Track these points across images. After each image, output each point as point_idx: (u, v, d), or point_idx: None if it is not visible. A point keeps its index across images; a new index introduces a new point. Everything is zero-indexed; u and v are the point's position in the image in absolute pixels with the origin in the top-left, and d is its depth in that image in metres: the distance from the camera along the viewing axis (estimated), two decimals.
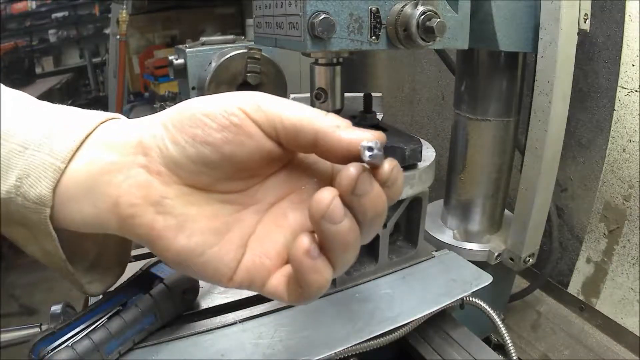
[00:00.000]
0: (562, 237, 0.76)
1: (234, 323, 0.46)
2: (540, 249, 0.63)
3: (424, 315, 0.48)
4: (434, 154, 0.53)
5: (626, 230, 0.67)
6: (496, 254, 0.63)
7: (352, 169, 0.23)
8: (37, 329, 0.42)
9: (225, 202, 0.28)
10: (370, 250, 0.54)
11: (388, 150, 0.48)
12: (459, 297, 0.50)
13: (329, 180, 0.29)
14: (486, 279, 0.53)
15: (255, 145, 0.26)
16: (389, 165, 0.24)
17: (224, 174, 0.27)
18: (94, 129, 0.29)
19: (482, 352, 0.48)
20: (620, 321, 0.67)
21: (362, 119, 0.55)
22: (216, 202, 0.28)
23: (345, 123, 0.25)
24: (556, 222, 0.70)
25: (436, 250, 0.59)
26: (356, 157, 0.24)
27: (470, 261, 0.57)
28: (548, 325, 0.73)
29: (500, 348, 0.51)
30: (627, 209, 0.66)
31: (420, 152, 0.50)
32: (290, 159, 0.29)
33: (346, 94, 0.53)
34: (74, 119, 0.30)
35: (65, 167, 0.28)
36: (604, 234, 0.70)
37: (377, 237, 0.52)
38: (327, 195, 0.23)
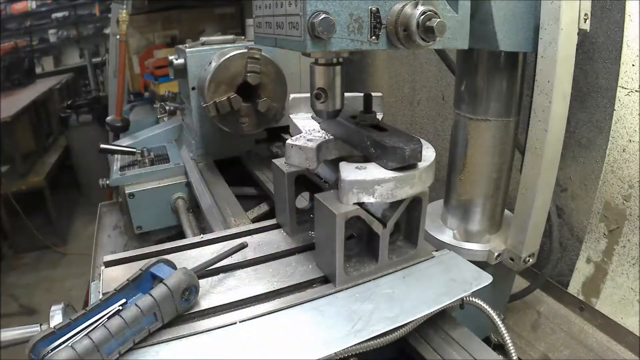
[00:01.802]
0: (562, 237, 0.76)
1: (234, 323, 0.46)
2: (540, 249, 0.63)
3: (424, 315, 0.48)
4: (434, 154, 0.53)
5: (626, 230, 0.67)
6: (496, 254, 0.63)
7: None
8: (37, 329, 0.42)
9: None
10: (370, 250, 0.54)
11: (388, 150, 0.48)
12: (459, 297, 0.50)
13: None
14: (486, 279, 0.53)
15: None
16: None
17: None
18: None
19: (482, 352, 0.48)
20: (620, 321, 0.67)
21: (362, 119, 0.55)
22: None
23: None
24: (556, 222, 0.70)
25: (436, 250, 0.59)
26: None
27: (470, 261, 0.57)
28: (548, 325, 0.73)
29: (500, 348, 0.51)
30: (627, 209, 0.66)
31: (420, 152, 0.50)
32: None
33: (346, 94, 0.53)
34: None
35: None
36: (604, 234, 0.70)
37: (377, 237, 0.52)
38: None
